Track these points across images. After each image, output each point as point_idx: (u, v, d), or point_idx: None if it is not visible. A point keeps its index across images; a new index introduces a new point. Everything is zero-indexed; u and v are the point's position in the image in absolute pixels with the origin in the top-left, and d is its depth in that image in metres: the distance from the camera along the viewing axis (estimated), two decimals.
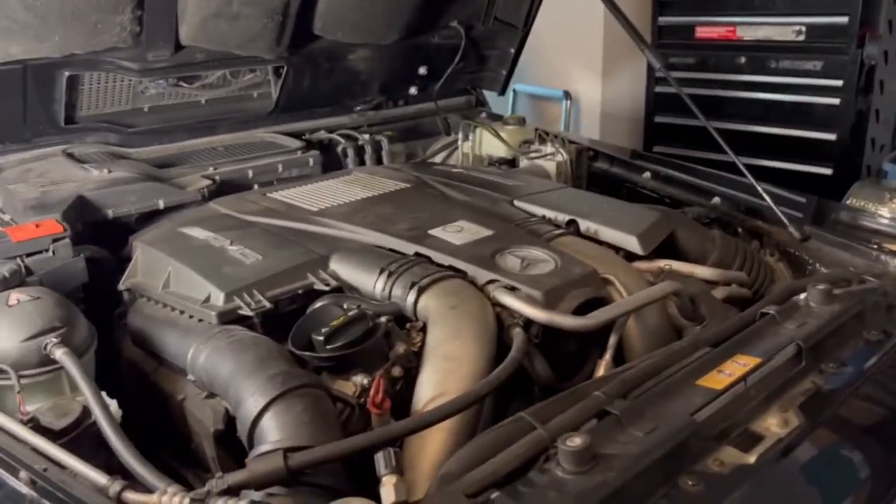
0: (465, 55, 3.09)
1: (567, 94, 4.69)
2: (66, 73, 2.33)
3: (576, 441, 1.12)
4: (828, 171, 3.88)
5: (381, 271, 1.71)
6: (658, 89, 4.43)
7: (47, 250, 1.83)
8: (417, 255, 1.81)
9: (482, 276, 1.70)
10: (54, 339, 1.48)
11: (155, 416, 1.70)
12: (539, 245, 1.85)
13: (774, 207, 2.20)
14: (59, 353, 1.46)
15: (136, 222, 2.20)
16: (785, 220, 2.17)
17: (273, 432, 1.29)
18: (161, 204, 2.22)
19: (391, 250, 1.85)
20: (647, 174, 2.70)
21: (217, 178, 2.45)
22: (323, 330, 1.47)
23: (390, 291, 1.67)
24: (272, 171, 2.58)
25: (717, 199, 2.45)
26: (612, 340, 1.62)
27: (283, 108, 2.86)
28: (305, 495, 1.18)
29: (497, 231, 1.91)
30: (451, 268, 1.75)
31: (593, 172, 2.86)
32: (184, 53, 2.46)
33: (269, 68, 2.79)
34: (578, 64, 4.62)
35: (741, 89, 4.12)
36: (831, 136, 3.87)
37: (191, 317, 1.67)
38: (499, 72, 3.32)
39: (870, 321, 1.65)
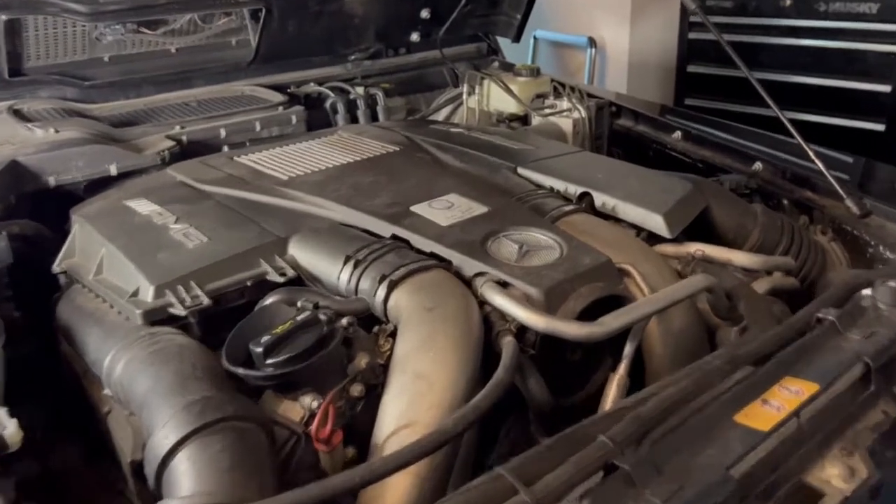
0: None
1: (591, 41, 4.33)
2: (3, 17, 2.03)
3: None
4: (880, 128, 3.57)
5: (347, 259, 1.40)
6: (692, 35, 4.08)
7: None
8: (395, 237, 1.50)
9: (469, 266, 1.39)
10: None
11: (91, 425, 1.45)
12: (543, 226, 1.52)
13: (829, 176, 1.84)
14: None
15: (85, 191, 1.94)
16: (841, 192, 1.81)
17: (184, 479, 1.01)
18: (113, 169, 1.96)
19: (365, 231, 1.54)
20: (678, 133, 2.36)
21: (184, 138, 2.19)
22: (262, 339, 1.17)
23: (356, 285, 1.37)
24: (248, 129, 2.31)
25: (758, 165, 2.11)
26: (628, 350, 1.31)
27: (265, 57, 2.54)
28: None
29: (493, 207, 1.59)
30: (433, 255, 1.44)
31: (616, 131, 2.54)
32: None
33: (246, 11, 2.46)
34: (604, 7, 4.27)
35: (785, 35, 3.78)
36: (886, 88, 3.52)
37: (119, 312, 1.40)
38: (513, 15, 2.97)
39: None
